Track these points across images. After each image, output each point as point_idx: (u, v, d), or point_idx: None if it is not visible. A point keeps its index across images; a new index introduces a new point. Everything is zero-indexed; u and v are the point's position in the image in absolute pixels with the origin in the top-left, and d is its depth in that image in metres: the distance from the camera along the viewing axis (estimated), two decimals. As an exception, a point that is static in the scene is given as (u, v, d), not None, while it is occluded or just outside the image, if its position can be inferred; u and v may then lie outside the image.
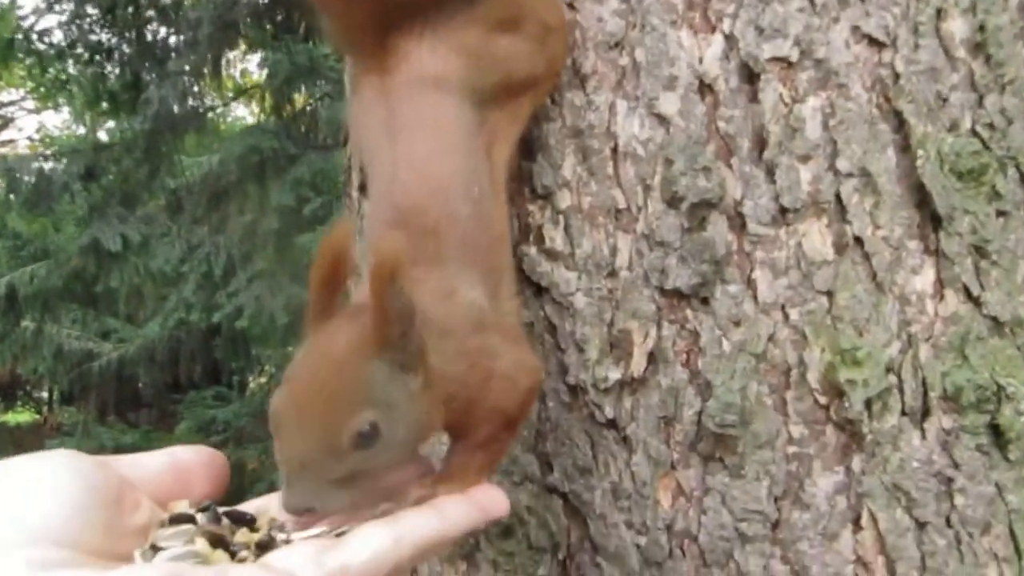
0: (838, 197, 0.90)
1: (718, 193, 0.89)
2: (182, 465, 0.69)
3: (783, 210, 0.89)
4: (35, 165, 5.48)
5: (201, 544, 0.60)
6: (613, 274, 0.92)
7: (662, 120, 0.92)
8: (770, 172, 0.90)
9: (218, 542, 0.61)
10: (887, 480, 0.86)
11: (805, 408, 0.87)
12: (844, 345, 0.87)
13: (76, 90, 6.53)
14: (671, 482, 0.89)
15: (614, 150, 0.94)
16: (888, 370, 0.88)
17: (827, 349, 0.88)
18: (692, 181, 0.89)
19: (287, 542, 0.63)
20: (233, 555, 0.60)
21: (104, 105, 6.74)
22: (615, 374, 0.90)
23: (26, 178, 5.44)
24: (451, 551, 1.00)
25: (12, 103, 12.56)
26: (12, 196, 5.58)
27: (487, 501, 0.70)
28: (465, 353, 0.74)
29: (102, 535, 0.58)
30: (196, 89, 6.69)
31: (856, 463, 0.87)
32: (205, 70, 6.51)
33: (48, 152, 6.73)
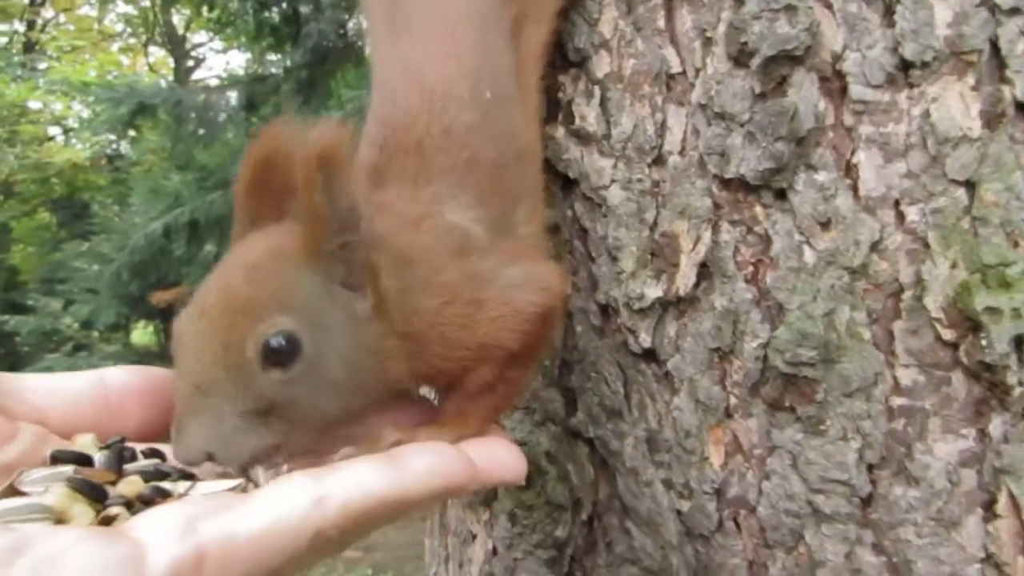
0: (994, 44, 0.62)
1: (805, 42, 0.63)
2: (112, 390, 0.55)
3: (904, 65, 0.63)
4: (201, 98, 5.79)
5: (57, 494, 0.46)
6: (660, 160, 0.70)
7: (733, -54, 0.67)
8: (888, 11, 0.63)
9: (91, 492, 0.47)
10: (1042, 452, 0.60)
11: (922, 345, 0.62)
12: (987, 259, 0.61)
13: (240, 25, 6.80)
14: (724, 434, 0.68)
15: (668, -6, 0.70)
16: (1054, 296, 0.60)
17: (960, 263, 0.61)
18: (768, 27, 0.64)
19: (183, 496, 0.49)
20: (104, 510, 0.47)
21: (269, 41, 6.99)
22: (654, 291, 0.69)
23: (192, 114, 5.76)
24: (470, 498, 0.84)
25: (201, 44, 13.50)
26: (181, 127, 5.94)
27: (488, 457, 0.50)
28: (435, 286, 0.56)
29: None
30: (352, 23, 6.77)
31: (995, 426, 0.61)
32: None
33: (213, 85, 7.10)
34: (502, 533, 0.80)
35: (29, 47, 11.77)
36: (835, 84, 0.65)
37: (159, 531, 0.41)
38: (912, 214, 0.63)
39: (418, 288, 0.56)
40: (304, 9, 6.71)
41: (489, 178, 0.63)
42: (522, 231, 0.65)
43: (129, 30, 13.10)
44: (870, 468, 0.64)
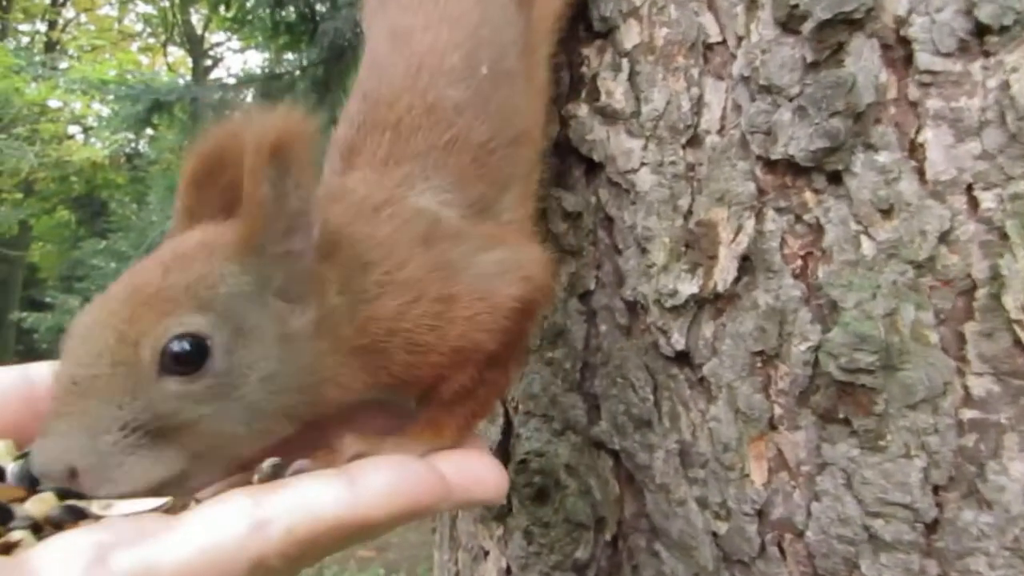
0: (1083, 5, 0.54)
1: (865, 4, 0.56)
2: (38, 388, 0.48)
3: (979, 30, 0.55)
4: (217, 95, 5.77)
5: None
6: (696, 140, 0.63)
7: (781, -102, 0.59)
8: (960, -32, 0.56)
9: None
10: None
11: (997, 350, 0.55)
12: (1076, 250, 0.53)
13: (257, 23, 6.80)
14: (768, 448, 0.60)
15: (706, -46, 0.63)
16: None
17: (1043, 256, 0.53)
18: (823, -13, 0.57)
19: (100, 518, 0.41)
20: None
21: (285, 39, 6.99)
22: (688, 286, 0.62)
23: (208, 112, 5.75)
24: (481, 511, 0.77)
25: (220, 44, 13.56)
26: (197, 125, 5.96)
27: (463, 473, 0.45)
28: (397, 284, 0.49)
29: None
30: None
31: (1083, 443, 0.53)
32: None
33: (229, 82, 7.11)
34: (517, 552, 0.73)
35: (50, 46, 11.87)
36: (899, 52, 0.57)
37: (62, 563, 0.34)
38: (987, 200, 0.55)
39: (376, 292, 0.48)
40: (320, 7, 6.70)
41: (474, 162, 0.56)
42: (505, 219, 0.58)
43: (148, 30, 13.18)
44: (936, 489, 0.56)
